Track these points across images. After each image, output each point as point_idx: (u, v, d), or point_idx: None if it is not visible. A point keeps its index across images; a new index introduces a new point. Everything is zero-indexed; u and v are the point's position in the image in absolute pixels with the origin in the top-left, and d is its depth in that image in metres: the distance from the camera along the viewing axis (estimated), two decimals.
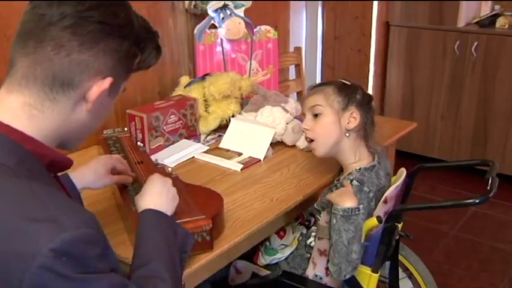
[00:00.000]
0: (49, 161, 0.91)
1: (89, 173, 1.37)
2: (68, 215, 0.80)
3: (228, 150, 1.87)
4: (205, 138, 1.99)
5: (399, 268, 1.77)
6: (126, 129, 1.86)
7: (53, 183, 0.92)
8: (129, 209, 1.34)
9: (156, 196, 1.19)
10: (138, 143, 1.75)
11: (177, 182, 1.45)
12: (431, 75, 3.43)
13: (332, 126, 1.51)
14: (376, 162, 1.53)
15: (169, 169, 1.54)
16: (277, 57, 2.27)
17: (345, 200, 1.40)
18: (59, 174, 1.06)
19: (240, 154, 1.84)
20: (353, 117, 1.50)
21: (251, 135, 1.86)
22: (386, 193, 1.46)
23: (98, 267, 0.82)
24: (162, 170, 1.54)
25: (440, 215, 3.01)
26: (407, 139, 3.58)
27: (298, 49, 2.81)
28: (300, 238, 1.65)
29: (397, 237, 1.68)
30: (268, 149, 1.83)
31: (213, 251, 1.28)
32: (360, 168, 1.50)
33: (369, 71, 3.55)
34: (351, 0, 3.47)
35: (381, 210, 1.46)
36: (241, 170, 1.73)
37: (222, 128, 2.00)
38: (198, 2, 2.16)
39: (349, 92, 1.52)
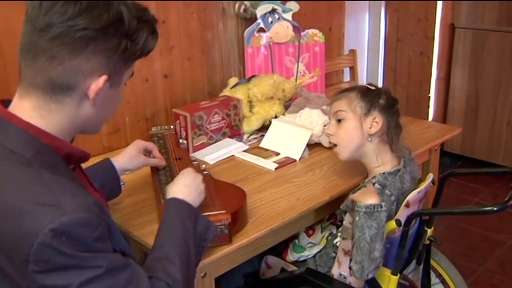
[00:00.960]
0: (65, 154, 1.02)
1: (124, 155, 1.55)
2: (70, 200, 0.91)
3: (267, 150, 1.95)
4: (248, 137, 2.08)
5: (432, 273, 1.77)
6: (172, 127, 1.98)
7: (67, 173, 1.01)
8: (159, 201, 1.46)
9: (185, 187, 1.29)
10: (180, 141, 1.86)
11: (207, 178, 1.55)
12: (498, 79, 3.32)
13: (354, 131, 1.54)
14: (402, 166, 1.54)
15: (203, 166, 1.64)
16: (323, 61, 2.31)
17: (368, 197, 1.43)
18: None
19: (277, 154, 1.91)
20: (375, 122, 1.53)
21: (289, 136, 1.92)
22: (408, 197, 1.47)
23: (97, 247, 0.92)
24: (196, 166, 1.64)
25: (498, 223, 2.92)
26: (470, 145, 3.50)
27: (353, 51, 2.83)
28: (330, 238, 1.70)
29: (428, 242, 1.68)
30: (305, 150, 1.88)
31: (232, 244, 1.36)
32: (383, 173, 1.52)
33: (431, 74, 3.49)
34: (414, 0, 3.43)
35: (402, 213, 1.48)
36: (276, 169, 1.80)
37: (265, 128, 2.07)
38: (248, 6, 2.24)
39: (372, 96, 1.55)
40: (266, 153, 1.92)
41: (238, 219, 1.41)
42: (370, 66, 3.52)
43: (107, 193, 1.44)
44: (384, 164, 1.55)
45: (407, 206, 1.48)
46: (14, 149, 0.95)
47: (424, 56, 3.50)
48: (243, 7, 2.24)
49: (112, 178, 1.48)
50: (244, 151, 1.95)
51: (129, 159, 1.55)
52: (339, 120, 1.58)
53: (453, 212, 1.66)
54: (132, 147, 1.58)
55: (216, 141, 2.02)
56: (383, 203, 1.41)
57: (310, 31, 2.28)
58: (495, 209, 1.32)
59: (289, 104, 2.15)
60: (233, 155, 1.93)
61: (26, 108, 0.99)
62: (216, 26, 2.24)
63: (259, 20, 2.23)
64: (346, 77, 2.92)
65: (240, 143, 2.01)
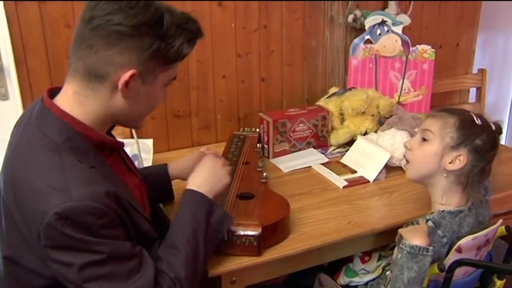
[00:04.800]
0: (97, 142, 1.12)
1: (180, 164, 1.57)
2: (80, 188, 1.00)
3: (345, 166, 1.89)
4: (333, 150, 2.04)
5: None
6: (257, 130, 2.02)
7: (96, 159, 1.10)
8: None
9: (201, 178, 1.32)
10: (258, 145, 1.89)
11: (260, 186, 1.58)
12: None
13: (431, 158, 1.40)
14: (467, 208, 1.40)
15: (264, 174, 1.65)
16: (431, 79, 2.16)
17: (415, 237, 1.32)
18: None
19: (354, 172, 1.85)
20: (458, 160, 1.37)
21: (369, 156, 1.85)
22: (461, 241, 1.34)
23: (103, 233, 1.01)
24: (258, 173, 1.66)
25: None
26: None
27: (482, 71, 2.59)
28: (387, 267, 1.61)
29: None
30: (381, 172, 1.80)
31: (260, 257, 1.36)
32: (443, 211, 1.40)
33: None
34: None
35: (452, 258, 1.35)
36: (343, 187, 1.75)
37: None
38: (358, 15, 2.18)
39: (470, 132, 1.37)
40: (342, 169, 1.87)
41: (274, 233, 1.41)
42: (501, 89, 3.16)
43: (158, 196, 1.53)
44: (448, 204, 1.42)
45: (459, 251, 1.35)
46: (48, 134, 1.07)
47: None
48: (352, 16, 2.19)
49: (163, 184, 1.54)
50: (323, 164, 1.92)
51: (184, 169, 1.53)
52: (424, 139, 1.44)
53: (494, 267, 1.47)
54: (191, 159, 1.56)
55: (299, 149, 2.02)
56: (430, 248, 1.29)
57: (420, 47, 2.14)
58: None
59: (382, 121, 2.06)
60: (310, 166, 1.91)
61: (68, 93, 1.11)
62: (321, 34, 2.21)
63: (367, 31, 2.16)
64: (472, 97, 2.69)
65: (321, 155, 1.98)
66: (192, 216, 1.23)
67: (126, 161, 1.28)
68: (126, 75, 1.06)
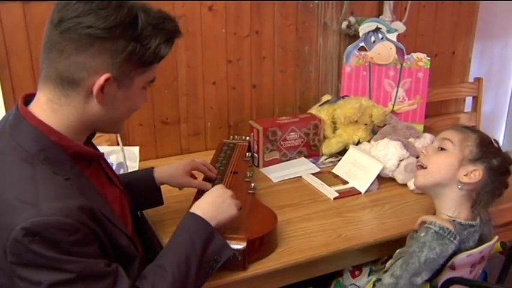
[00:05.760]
0: (74, 152, 1.06)
1: (168, 170, 1.51)
2: (50, 203, 0.95)
3: (336, 176, 1.85)
4: (325, 160, 1.99)
5: None
6: (247, 138, 1.97)
7: (72, 171, 1.04)
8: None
9: (207, 204, 1.27)
10: (247, 154, 1.84)
11: (248, 197, 1.52)
12: None
13: (448, 167, 1.37)
14: (478, 225, 1.37)
15: (253, 185, 1.60)
16: (426, 88, 2.11)
17: (445, 222, 1.30)
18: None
19: (345, 182, 1.80)
20: (473, 174, 1.35)
21: (361, 166, 1.80)
22: (454, 259, 1.29)
23: (73, 251, 0.95)
24: (246, 183, 1.62)
25: None
26: None
27: (478, 80, 2.55)
28: (378, 283, 1.56)
29: None
30: (373, 183, 1.75)
31: (245, 272, 1.32)
32: (454, 220, 1.35)
33: None
34: None
35: (445, 276, 1.30)
36: (334, 198, 1.70)
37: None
38: (352, 22, 2.14)
39: (489, 151, 1.37)
40: (334, 180, 1.82)
41: (260, 247, 1.36)
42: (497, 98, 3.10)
43: (145, 201, 1.48)
44: (458, 218, 1.37)
45: (452, 268, 1.30)
46: (22, 143, 1.02)
47: None
48: (346, 23, 2.14)
49: (149, 189, 1.48)
50: (314, 174, 1.87)
51: (170, 177, 1.49)
52: (441, 149, 1.41)
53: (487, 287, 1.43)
54: (180, 165, 1.53)
55: (290, 158, 1.97)
56: (458, 237, 1.26)
57: (415, 55, 2.10)
58: None
59: (375, 131, 2.01)
60: (301, 176, 1.86)
61: (41, 101, 1.05)
62: (315, 40, 2.17)
63: (361, 38, 2.11)
64: (468, 107, 2.65)
65: (313, 165, 1.93)
66: (188, 240, 1.18)
67: (107, 172, 1.22)
68: (100, 80, 1.01)
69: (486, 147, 1.37)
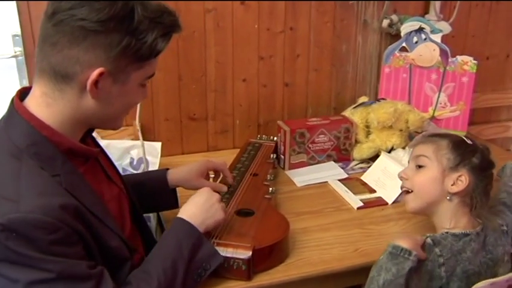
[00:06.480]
0: (66, 148, 1.02)
1: (183, 171, 1.45)
2: (31, 200, 0.92)
3: (364, 184, 1.75)
4: (355, 165, 1.89)
5: None
6: (275, 139, 1.90)
7: (63, 167, 1.00)
8: None
9: (195, 208, 1.22)
10: (271, 155, 1.77)
11: (263, 202, 1.46)
12: None
13: (432, 184, 1.30)
14: (474, 232, 1.27)
15: (271, 189, 1.53)
16: (470, 94, 1.97)
17: (403, 239, 1.21)
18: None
19: (372, 191, 1.70)
20: (460, 181, 1.27)
21: (390, 175, 1.69)
22: (477, 286, 1.18)
23: (52, 251, 0.92)
24: (264, 187, 1.55)
25: None
26: None
27: None
28: None
29: None
30: (402, 194, 1.63)
31: (249, 282, 1.25)
32: (447, 232, 1.27)
33: None
34: None
35: None
36: (358, 208, 1.60)
37: None
38: (394, 20, 2.02)
39: (466, 152, 1.30)
40: (360, 188, 1.72)
41: (268, 256, 1.29)
42: None
43: (158, 203, 1.45)
44: (456, 228, 1.29)
45: None
46: (13, 137, 1.00)
47: None
48: (388, 21, 2.02)
49: (162, 191, 1.43)
50: (341, 179, 1.77)
51: (184, 178, 1.44)
52: (419, 167, 1.34)
53: None
54: (194, 167, 1.46)
55: (319, 162, 1.88)
56: (414, 252, 1.17)
57: (461, 58, 1.95)
58: None
59: (415, 137, 1.89)
60: (327, 181, 1.77)
61: (36, 95, 1.02)
62: (353, 39, 2.06)
63: (403, 38, 1.99)
64: None
65: (341, 170, 1.83)
66: (175, 246, 1.13)
67: (106, 169, 1.18)
68: (93, 75, 0.97)
69: (461, 149, 1.31)
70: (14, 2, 1.65)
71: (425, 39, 1.97)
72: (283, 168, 1.85)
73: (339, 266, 1.34)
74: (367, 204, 1.62)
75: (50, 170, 0.98)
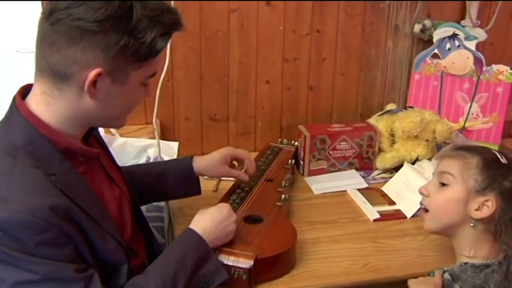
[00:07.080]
0: (64, 148, 1.01)
1: (207, 159, 1.46)
2: (21, 199, 0.90)
3: (384, 195, 1.68)
4: (377, 175, 1.82)
5: None
6: (296, 143, 1.85)
7: (61, 167, 0.99)
8: None
9: (211, 222, 1.20)
10: (290, 161, 1.72)
11: (274, 210, 1.42)
12: None
13: (453, 206, 1.19)
14: (496, 261, 1.18)
15: (283, 196, 1.49)
16: (505, 105, 1.86)
17: (422, 286, 1.15)
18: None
19: (392, 203, 1.63)
20: (486, 206, 1.15)
21: (411, 188, 1.62)
22: None
23: (38, 252, 0.90)
24: (277, 194, 1.51)
25: None
26: None
27: None
28: None
29: None
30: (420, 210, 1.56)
31: None
32: (466, 263, 1.18)
33: None
34: None
35: None
36: (374, 220, 1.54)
37: None
38: (427, 26, 1.94)
39: (497, 173, 1.16)
40: (380, 199, 1.66)
41: (272, 267, 1.25)
42: None
43: (181, 191, 1.44)
44: (476, 257, 1.19)
45: None
46: (11, 135, 0.99)
47: None
48: (420, 26, 1.94)
49: (186, 177, 1.43)
50: (360, 189, 1.71)
51: (208, 166, 1.44)
52: (443, 184, 1.24)
53: None
54: (218, 153, 1.46)
55: (340, 170, 1.83)
56: None
57: (496, 67, 1.85)
58: None
59: (438, 148, 1.82)
60: (345, 190, 1.71)
61: (36, 93, 1.01)
62: (383, 44, 1.99)
63: (435, 44, 1.91)
64: None
65: (361, 179, 1.77)
66: (180, 257, 1.11)
67: (108, 170, 1.17)
68: (91, 75, 0.95)
69: (492, 170, 1.17)
70: None
71: (458, 46, 1.89)
72: (302, 174, 1.80)
73: (345, 280, 1.28)
74: (384, 217, 1.56)
75: (46, 169, 0.97)
